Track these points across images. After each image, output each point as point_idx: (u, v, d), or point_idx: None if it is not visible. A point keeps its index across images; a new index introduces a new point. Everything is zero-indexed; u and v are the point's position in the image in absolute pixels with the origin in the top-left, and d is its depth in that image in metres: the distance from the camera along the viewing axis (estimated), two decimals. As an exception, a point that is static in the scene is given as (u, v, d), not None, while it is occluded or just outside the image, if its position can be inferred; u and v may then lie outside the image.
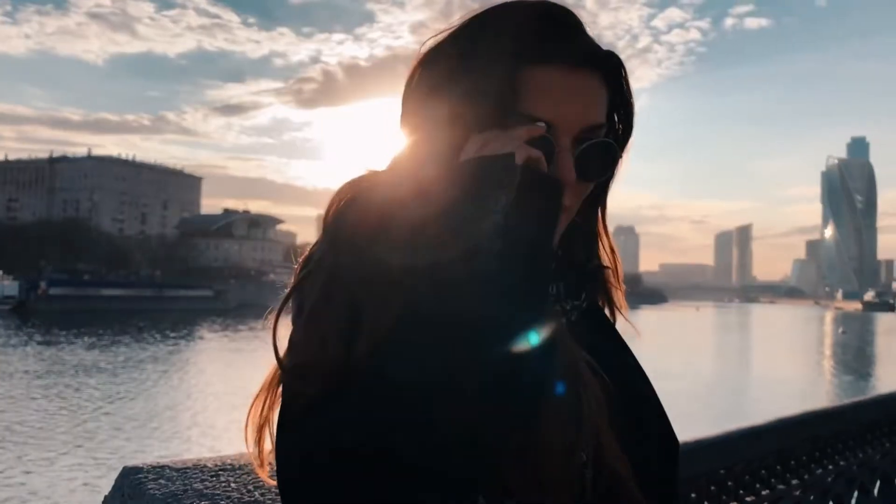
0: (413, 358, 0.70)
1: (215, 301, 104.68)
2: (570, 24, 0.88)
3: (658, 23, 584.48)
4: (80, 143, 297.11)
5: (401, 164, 0.87)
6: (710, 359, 47.83)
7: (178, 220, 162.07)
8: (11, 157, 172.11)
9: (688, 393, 27.31)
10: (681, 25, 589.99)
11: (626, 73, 0.92)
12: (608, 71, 0.89)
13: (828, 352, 59.63)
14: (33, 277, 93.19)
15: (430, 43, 0.90)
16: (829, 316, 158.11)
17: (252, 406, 0.89)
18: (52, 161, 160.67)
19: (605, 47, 0.90)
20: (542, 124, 0.83)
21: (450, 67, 0.86)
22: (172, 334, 55.11)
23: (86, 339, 47.67)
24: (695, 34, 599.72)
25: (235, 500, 1.23)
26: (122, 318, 68.60)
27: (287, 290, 0.84)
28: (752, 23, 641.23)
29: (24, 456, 17.20)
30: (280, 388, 0.84)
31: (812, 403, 3.54)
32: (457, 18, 0.90)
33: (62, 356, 37.79)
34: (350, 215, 0.81)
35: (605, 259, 1.04)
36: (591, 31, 0.90)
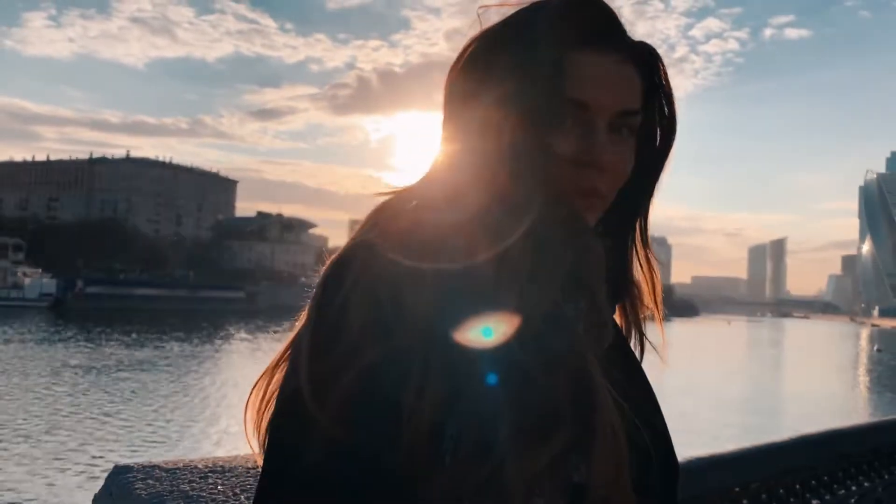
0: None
1: (247, 302, 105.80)
2: (607, 13, 0.88)
3: (696, 32, 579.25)
4: (119, 145, 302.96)
5: (447, 173, 0.85)
6: (741, 374, 47.31)
7: (213, 221, 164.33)
8: (53, 157, 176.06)
9: (714, 408, 27.18)
10: (719, 35, 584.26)
11: (663, 65, 0.92)
12: (643, 62, 0.90)
13: (862, 370, 58.60)
14: (71, 276, 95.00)
15: (470, 42, 0.88)
16: (864, 333, 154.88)
17: (254, 388, 0.87)
18: (92, 162, 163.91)
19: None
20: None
21: (493, 59, 0.85)
22: (206, 334, 55.93)
23: (122, 336, 48.56)
24: (733, 44, 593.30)
25: (220, 502, 1.21)
26: (155, 317, 69.64)
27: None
28: (792, 33, 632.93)
29: (76, 444, 17.67)
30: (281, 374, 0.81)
31: (842, 422, 3.53)
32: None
33: (102, 352, 38.56)
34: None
35: (640, 274, 0.98)
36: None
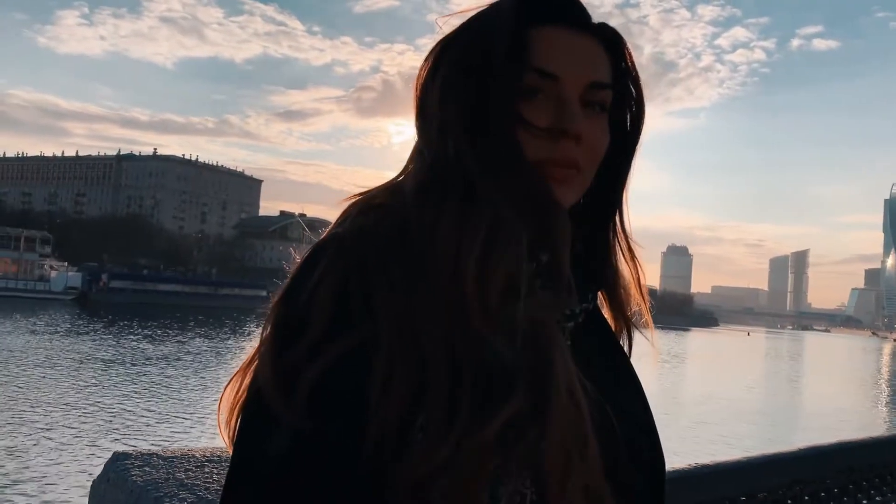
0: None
1: (268, 301, 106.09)
2: None
3: (722, 42, 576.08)
4: (147, 143, 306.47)
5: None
6: (759, 386, 47.08)
7: (237, 220, 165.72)
8: (82, 153, 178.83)
9: (731, 419, 27.17)
10: (745, 45, 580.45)
11: (628, 48, 0.92)
12: (608, 42, 0.90)
13: (884, 385, 58.07)
14: (96, 270, 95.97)
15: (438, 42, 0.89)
16: (887, 348, 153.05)
17: (227, 386, 0.87)
18: (120, 159, 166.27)
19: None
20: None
21: (456, 41, 0.87)
22: (227, 330, 56.56)
23: (144, 331, 49.15)
24: (759, 54, 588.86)
25: (214, 492, 1.21)
26: (177, 312, 70.37)
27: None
28: (820, 44, 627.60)
29: (93, 433, 17.97)
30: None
31: (857, 436, 3.35)
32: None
33: (125, 345, 39.21)
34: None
35: (623, 264, 0.96)
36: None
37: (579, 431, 0.71)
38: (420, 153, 0.86)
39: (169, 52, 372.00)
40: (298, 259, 0.79)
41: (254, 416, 0.74)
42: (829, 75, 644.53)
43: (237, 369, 0.87)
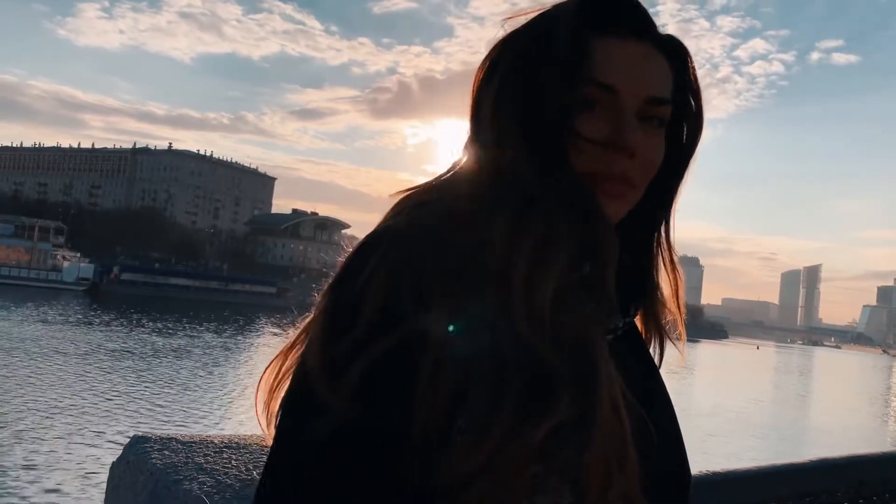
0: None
1: (277, 298, 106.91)
2: (634, 4, 0.87)
3: (741, 53, 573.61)
4: (163, 137, 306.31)
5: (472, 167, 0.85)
6: (768, 400, 46.80)
7: (249, 216, 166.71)
8: (98, 145, 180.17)
9: (738, 431, 27.04)
10: (764, 57, 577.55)
11: (692, 61, 0.90)
12: (673, 57, 0.88)
13: (894, 402, 57.66)
14: (108, 262, 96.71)
15: (497, 42, 0.88)
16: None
17: (267, 369, 0.88)
18: (135, 152, 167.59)
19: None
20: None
21: (516, 48, 0.85)
22: (237, 326, 56.77)
23: (154, 323, 49.41)
24: (778, 67, 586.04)
25: (233, 476, 1.22)
26: (187, 306, 70.73)
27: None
28: (840, 58, 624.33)
29: (107, 418, 18.11)
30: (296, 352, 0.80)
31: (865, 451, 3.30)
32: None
33: (135, 337, 39.40)
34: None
35: (665, 275, 0.96)
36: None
37: (621, 444, 0.71)
38: (473, 154, 0.86)
39: (187, 48, 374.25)
40: (350, 249, 0.79)
41: (299, 402, 0.74)
42: (849, 89, 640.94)
43: (277, 352, 0.87)
